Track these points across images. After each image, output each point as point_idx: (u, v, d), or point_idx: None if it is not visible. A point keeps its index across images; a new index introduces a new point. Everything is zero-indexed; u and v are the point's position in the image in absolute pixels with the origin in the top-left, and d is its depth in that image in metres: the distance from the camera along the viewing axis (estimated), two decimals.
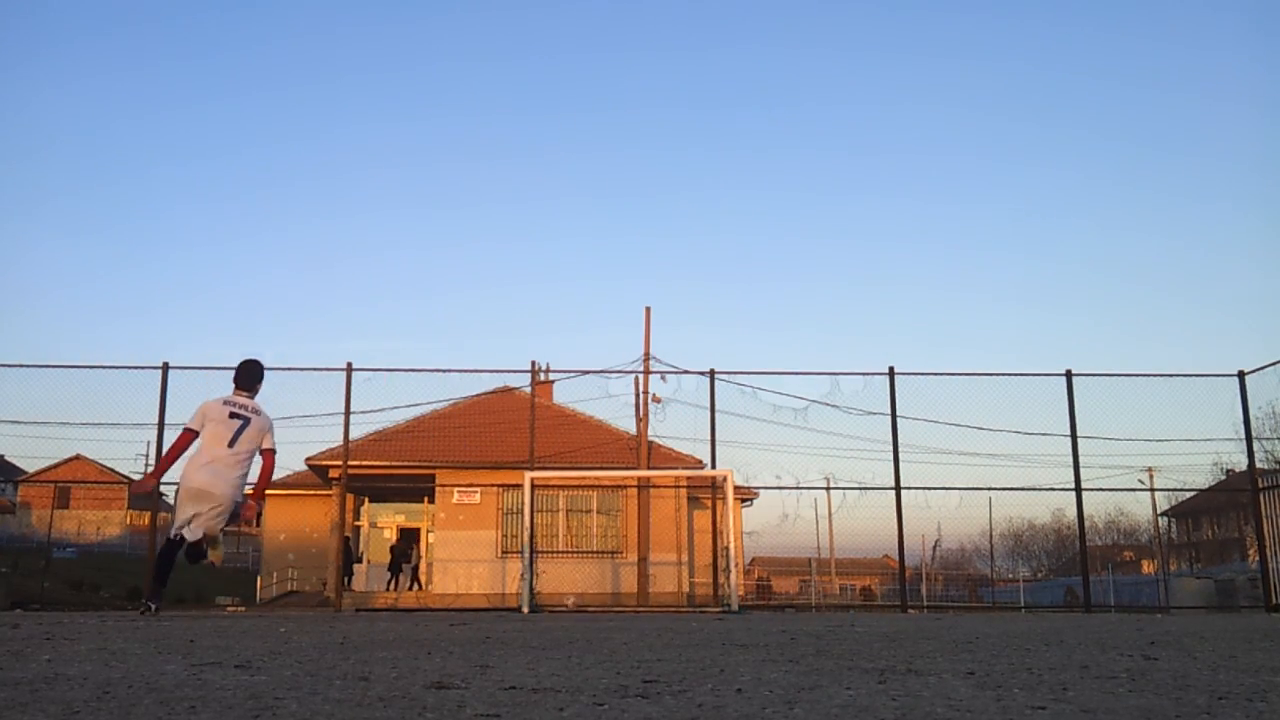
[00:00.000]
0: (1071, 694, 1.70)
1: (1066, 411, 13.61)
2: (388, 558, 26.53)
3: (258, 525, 7.10)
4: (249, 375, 7.35)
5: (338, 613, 11.04)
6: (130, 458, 55.06)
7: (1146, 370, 16.11)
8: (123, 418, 13.73)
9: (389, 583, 25.91)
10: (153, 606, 6.96)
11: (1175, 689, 1.79)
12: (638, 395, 19.60)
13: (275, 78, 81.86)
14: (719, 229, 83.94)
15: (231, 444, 6.98)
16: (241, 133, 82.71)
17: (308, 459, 23.68)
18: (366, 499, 28.02)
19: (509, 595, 21.06)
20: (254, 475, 7.43)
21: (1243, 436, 13.98)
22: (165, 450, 7.41)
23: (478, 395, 19.74)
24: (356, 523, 27.31)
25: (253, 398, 7.32)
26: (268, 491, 31.96)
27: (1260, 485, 13.83)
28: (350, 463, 14.31)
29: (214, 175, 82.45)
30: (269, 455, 7.30)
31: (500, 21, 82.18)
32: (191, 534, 6.88)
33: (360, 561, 26.58)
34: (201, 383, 13.73)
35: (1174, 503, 41.52)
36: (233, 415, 7.08)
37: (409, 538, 27.31)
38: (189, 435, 7.08)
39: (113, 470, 43.49)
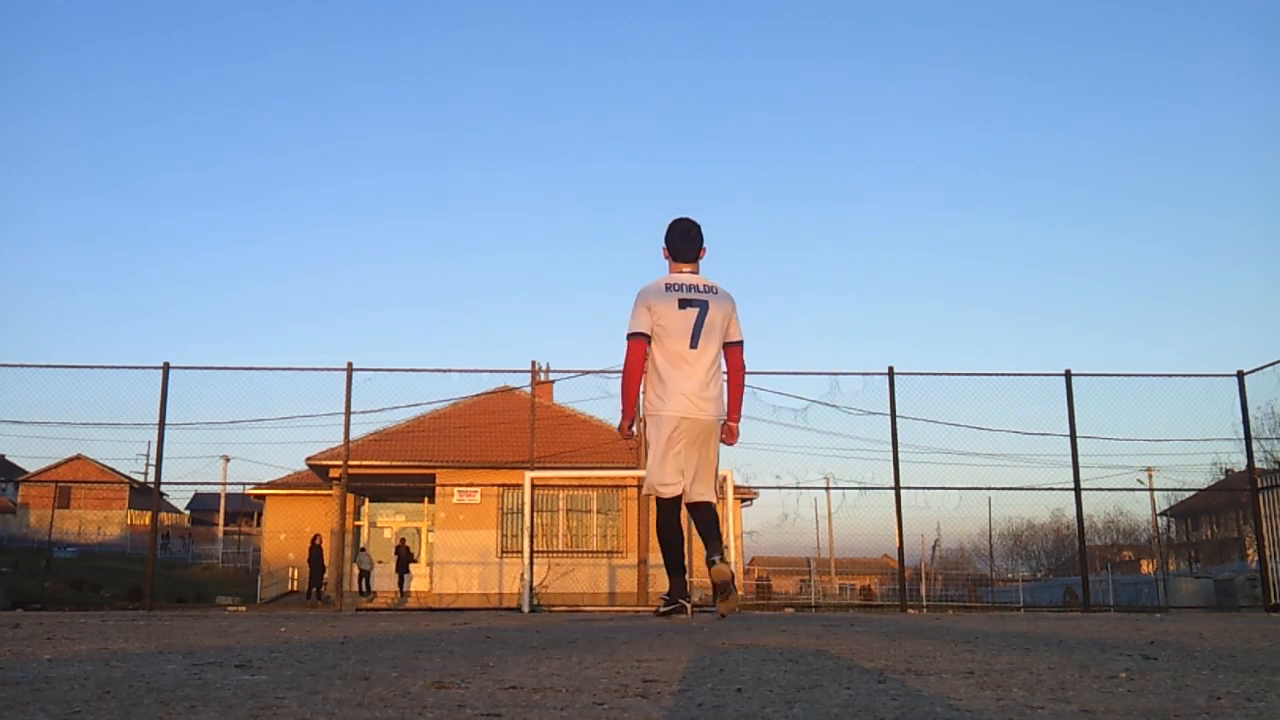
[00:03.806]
0: (1071, 693, 1.70)
1: (1066, 411, 13.61)
2: (393, 558, 26.56)
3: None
4: (688, 239, 5.22)
5: (338, 613, 11.04)
6: (131, 458, 55.14)
7: (1146, 370, 16.14)
8: (123, 418, 13.77)
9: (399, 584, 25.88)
10: (685, 605, 5.33)
11: (1174, 689, 1.80)
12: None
13: (277, 81, 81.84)
14: (718, 229, 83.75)
15: (694, 343, 4.99)
16: (243, 135, 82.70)
17: (308, 459, 23.70)
18: (367, 499, 28.02)
19: (509, 595, 21.06)
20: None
21: (1242, 436, 13.99)
22: (623, 379, 5.15)
23: (478, 395, 19.76)
24: (357, 522, 27.31)
25: (698, 270, 5.23)
26: (261, 495, 31.87)
27: (1259, 485, 13.83)
28: (350, 463, 14.31)
29: (215, 177, 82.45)
30: (736, 352, 5.23)
31: (502, 26, 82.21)
32: (700, 495, 5.17)
33: (371, 569, 26.57)
34: (202, 383, 13.74)
35: (1173, 503, 41.50)
36: (685, 303, 5.01)
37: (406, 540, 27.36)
38: (640, 344, 5.06)
39: (113, 470, 43.57)
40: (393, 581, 26.03)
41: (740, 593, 13.05)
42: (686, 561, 5.46)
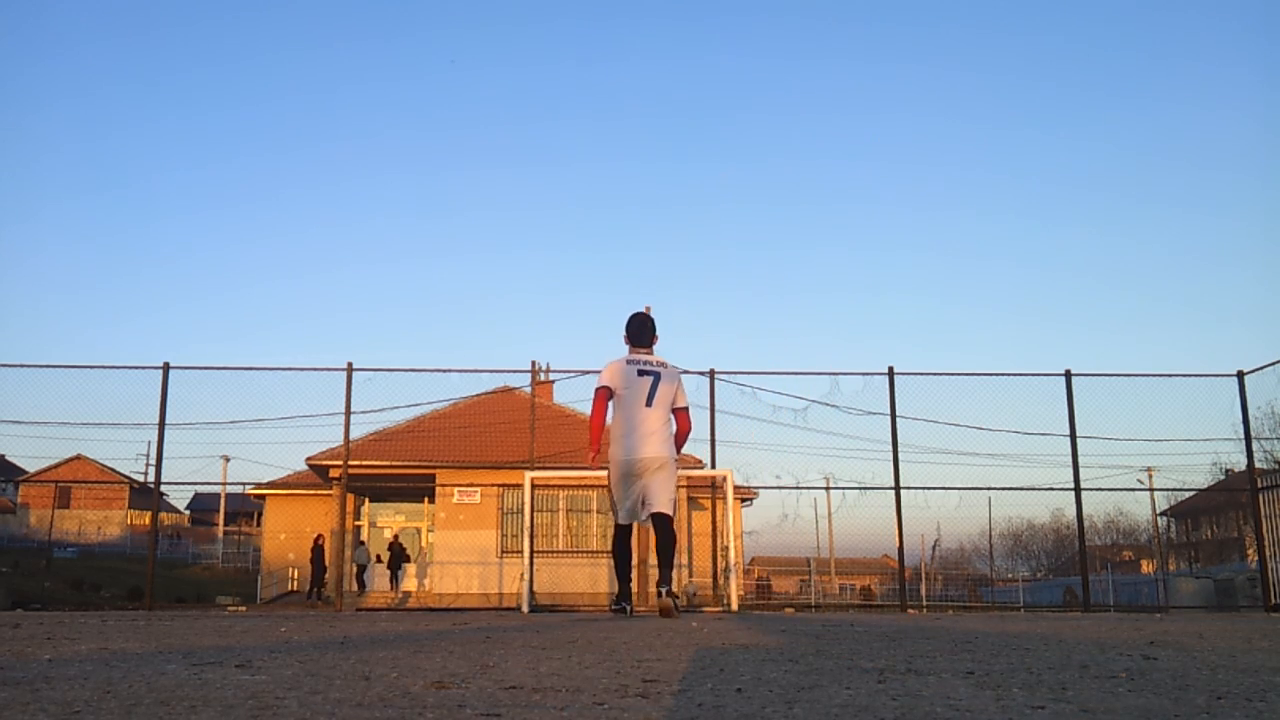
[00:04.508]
0: (1071, 693, 1.70)
1: (1066, 411, 13.59)
2: (387, 556, 26.59)
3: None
4: (644, 329, 6.91)
5: (338, 613, 11.04)
6: (131, 458, 55.11)
7: (1146, 370, 16.10)
8: (123, 418, 13.74)
9: (390, 580, 26.00)
10: (627, 608, 6.76)
11: (1174, 688, 1.80)
12: None
13: (276, 82, 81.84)
14: (719, 229, 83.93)
15: (649, 402, 6.67)
16: (242, 136, 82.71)
17: (308, 459, 23.69)
18: (367, 499, 28.01)
19: (509, 595, 21.06)
20: None
21: (1242, 436, 13.96)
22: (590, 419, 6.90)
23: (478, 395, 19.74)
24: (357, 523, 27.32)
25: (652, 351, 6.90)
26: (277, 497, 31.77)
27: (1259, 485, 13.82)
28: (350, 463, 14.30)
29: (215, 177, 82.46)
30: (684, 415, 6.89)
31: (502, 26, 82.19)
32: (659, 507, 6.70)
33: (367, 564, 26.58)
34: (202, 383, 13.74)
35: (1173, 503, 41.49)
36: (642, 373, 6.71)
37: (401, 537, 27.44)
38: (604, 393, 6.76)
39: (113, 470, 43.59)
40: (387, 580, 26.09)
41: (741, 593, 13.04)
42: (635, 576, 7.16)
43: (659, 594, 6.49)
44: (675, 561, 6.63)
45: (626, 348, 6.93)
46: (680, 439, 6.92)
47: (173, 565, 43.43)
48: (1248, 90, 77.07)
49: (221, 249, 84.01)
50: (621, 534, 6.97)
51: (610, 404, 6.81)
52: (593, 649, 2.71)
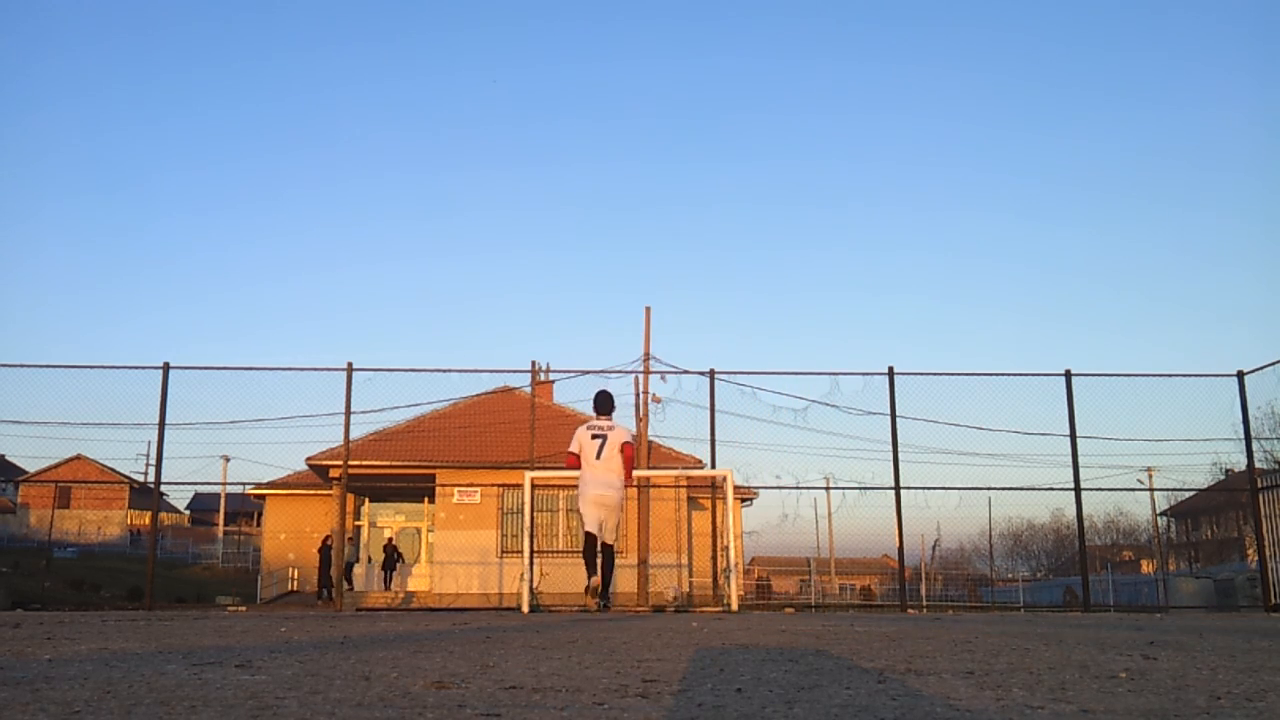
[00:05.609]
0: (1071, 694, 1.70)
1: (1066, 411, 13.58)
2: (381, 556, 26.60)
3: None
4: (604, 403, 9.44)
5: (338, 613, 11.03)
6: (131, 458, 54.96)
7: (1146, 370, 16.09)
8: (123, 418, 13.73)
9: (385, 580, 26.02)
10: (594, 587, 9.07)
11: (1174, 689, 1.80)
12: (637, 395, 19.54)
13: (276, 82, 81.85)
14: (719, 229, 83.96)
15: (599, 456, 9.09)
16: (243, 136, 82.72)
17: (308, 459, 23.68)
18: (367, 499, 28.00)
19: (509, 595, 21.06)
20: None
21: (1242, 436, 13.95)
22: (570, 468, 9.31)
23: (478, 395, 19.74)
24: (357, 523, 27.30)
25: (609, 418, 9.38)
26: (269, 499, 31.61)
27: (1259, 485, 13.82)
28: (351, 462, 14.30)
29: (215, 177, 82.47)
30: (628, 447, 9.27)
31: (500, 27, 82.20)
32: (607, 536, 9.10)
33: (356, 563, 26.59)
34: (202, 383, 13.73)
35: (1173, 503, 41.47)
36: (594, 436, 9.17)
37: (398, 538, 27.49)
38: (571, 457, 9.23)
39: (113, 470, 43.54)
40: (380, 580, 26.12)
41: (741, 593, 13.04)
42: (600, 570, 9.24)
43: (595, 587, 9.17)
44: (613, 578, 9.32)
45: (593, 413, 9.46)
46: (626, 465, 9.23)
47: (173, 565, 43.41)
48: (1248, 90, 77.13)
49: (221, 249, 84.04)
50: (587, 540, 9.23)
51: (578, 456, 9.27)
52: (593, 649, 2.71)
